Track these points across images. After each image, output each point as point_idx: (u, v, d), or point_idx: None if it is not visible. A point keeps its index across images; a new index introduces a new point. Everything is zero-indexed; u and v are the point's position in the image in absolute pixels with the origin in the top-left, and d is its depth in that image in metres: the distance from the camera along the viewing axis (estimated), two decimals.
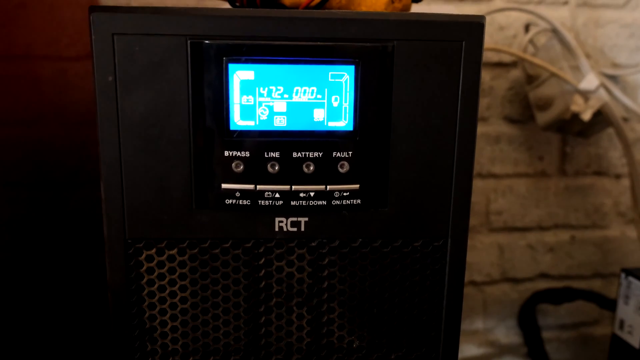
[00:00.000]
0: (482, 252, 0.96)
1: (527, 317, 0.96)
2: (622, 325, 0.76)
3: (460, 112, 0.44)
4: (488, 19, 0.88)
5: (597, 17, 0.91)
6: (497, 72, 0.91)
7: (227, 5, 0.55)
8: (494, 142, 0.94)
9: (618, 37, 0.92)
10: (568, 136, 0.94)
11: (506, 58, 0.90)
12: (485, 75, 0.91)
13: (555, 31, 0.84)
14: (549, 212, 0.96)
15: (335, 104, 0.43)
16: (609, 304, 0.91)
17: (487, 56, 0.90)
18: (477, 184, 0.94)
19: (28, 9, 0.75)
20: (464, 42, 0.43)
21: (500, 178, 0.95)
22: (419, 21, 0.43)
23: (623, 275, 0.76)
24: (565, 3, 0.90)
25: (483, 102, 0.92)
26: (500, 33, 0.91)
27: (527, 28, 0.89)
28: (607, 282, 1.00)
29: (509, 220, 0.96)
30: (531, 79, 0.87)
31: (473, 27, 0.43)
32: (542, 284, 0.98)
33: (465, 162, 0.45)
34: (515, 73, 0.91)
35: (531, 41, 0.87)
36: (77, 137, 0.78)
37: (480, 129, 0.92)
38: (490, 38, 0.90)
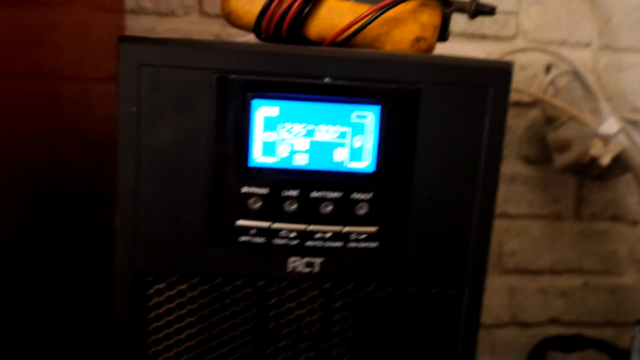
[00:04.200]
0: (492, 294, 0.94)
1: None
2: None
3: (484, 158, 0.43)
4: (509, 58, 0.88)
5: (619, 61, 0.91)
6: (515, 111, 0.91)
7: (252, 36, 0.55)
8: (509, 182, 0.93)
9: None
10: (585, 179, 0.93)
11: (525, 98, 0.90)
12: None
13: (576, 73, 0.84)
14: (563, 255, 0.95)
15: (357, 145, 0.42)
16: (621, 356, 0.89)
17: None
18: None
19: (57, 29, 0.76)
20: (490, 88, 0.42)
21: (515, 219, 0.94)
22: (447, 65, 0.42)
23: (638, 327, 0.74)
24: (588, 45, 0.89)
25: None
26: (520, 73, 0.90)
27: (548, 69, 0.88)
28: (620, 331, 0.98)
29: (521, 262, 0.94)
30: (550, 120, 0.86)
31: (500, 73, 0.42)
32: (553, 330, 0.96)
33: (486, 210, 0.44)
34: (534, 113, 0.90)
35: (552, 82, 0.86)
36: (95, 158, 0.77)
37: None
38: None
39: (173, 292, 0.44)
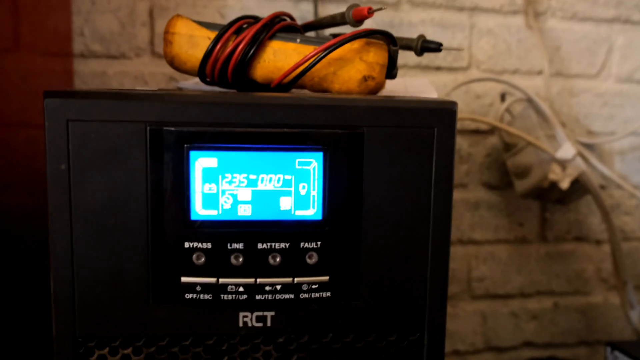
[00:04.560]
0: (464, 320, 0.94)
1: None
2: None
3: (434, 199, 0.42)
4: (464, 88, 0.89)
5: (571, 87, 0.92)
6: (474, 139, 0.91)
7: (197, 80, 0.54)
8: (473, 209, 0.93)
9: (592, 105, 0.93)
10: (547, 203, 0.93)
11: (483, 125, 0.90)
12: (464, 143, 0.90)
13: (530, 101, 0.84)
14: (531, 278, 0.95)
15: (302, 192, 0.41)
16: None
17: (465, 124, 0.90)
18: (458, 251, 0.93)
19: (1, 77, 0.74)
20: (435, 129, 0.41)
21: (481, 244, 0.93)
22: (389, 107, 0.41)
23: (609, 349, 0.73)
24: (540, 73, 0.90)
25: (462, 168, 0.91)
26: (476, 101, 0.90)
27: (503, 97, 0.89)
28: (593, 350, 0.98)
29: (490, 287, 0.94)
30: (508, 147, 0.87)
31: (445, 113, 0.41)
32: (527, 353, 0.96)
33: (440, 252, 0.43)
34: (493, 140, 0.91)
35: (507, 110, 0.87)
36: (44, 207, 0.75)
37: (460, 195, 0.91)
38: (467, 106, 0.90)
39: (117, 357, 0.42)
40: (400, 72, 0.83)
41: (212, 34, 0.48)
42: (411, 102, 0.41)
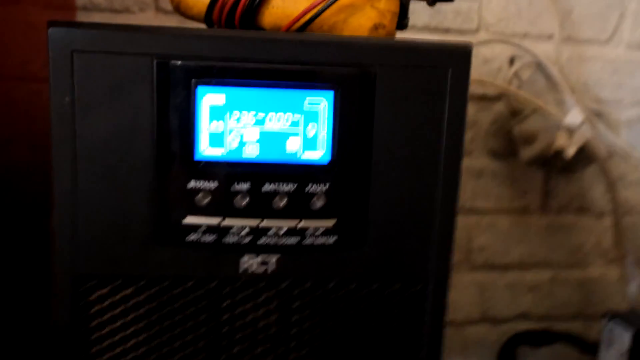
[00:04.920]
0: (461, 291, 0.93)
1: None
2: None
3: (446, 143, 0.41)
4: (473, 51, 0.87)
5: (581, 53, 0.90)
6: (481, 105, 0.90)
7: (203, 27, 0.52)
8: (476, 177, 0.92)
9: (602, 72, 0.91)
10: (551, 172, 0.92)
11: (490, 91, 0.88)
12: (470, 109, 0.89)
13: (539, 65, 0.83)
14: (531, 250, 0.94)
15: (311, 133, 0.40)
16: (590, 348, 0.88)
17: (471, 89, 0.87)
18: (459, 220, 0.91)
19: (2, 29, 0.72)
20: (450, 70, 0.40)
21: (483, 214, 0.92)
22: (403, 46, 0.40)
23: (606, 319, 0.73)
24: (550, 37, 0.88)
25: (467, 135, 0.89)
26: (484, 66, 0.89)
27: (511, 61, 0.87)
28: (589, 324, 0.98)
29: (490, 257, 0.93)
30: (515, 113, 0.86)
31: (460, 53, 0.40)
32: (523, 325, 0.95)
33: (449, 198, 0.42)
34: (499, 107, 0.89)
35: (516, 74, 0.85)
36: (46, 162, 0.75)
37: (464, 162, 0.90)
38: (474, 71, 0.88)
39: (117, 297, 0.41)
40: (408, 34, 0.82)
41: None
42: (426, 42, 0.40)
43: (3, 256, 0.73)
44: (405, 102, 0.40)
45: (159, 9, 0.80)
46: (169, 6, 0.79)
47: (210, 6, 0.47)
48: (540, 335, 0.92)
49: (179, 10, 0.49)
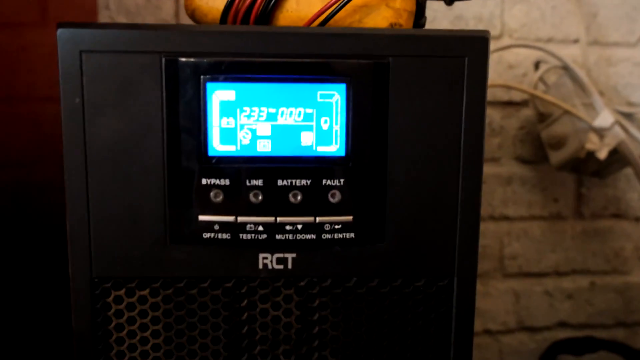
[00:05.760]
0: (496, 299, 0.91)
1: None
2: None
3: (465, 135, 0.40)
4: (496, 57, 0.86)
5: (609, 56, 0.88)
6: (507, 111, 0.88)
7: None
8: (506, 184, 0.90)
9: (631, 75, 0.89)
10: (583, 177, 0.90)
11: (516, 96, 0.87)
12: (496, 115, 0.88)
13: (566, 68, 0.81)
14: (566, 256, 0.92)
15: (325, 127, 0.39)
16: (635, 356, 0.85)
17: (497, 94, 0.87)
18: (490, 227, 0.90)
19: (30, 51, 0.75)
20: (467, 59, 0.39)
21: (514, 221, 0.91)
22: (416, 36, 0.39)
23: None
24: (576, 41, 0.87)
25: (494, 142, 0.88)
26: (509, 72, 0.88)
27: (537, 65, 0.86)
28: (631, 331, 0.95)
29: (524, 265, 0.91)
30: (543, 118, 0.84)
31: (477, 41, 0.39)
32: (561, 334, 0.93)
33: (471, 190, 0.41)
34: (526, 112, 0.88)
35: (541, 79, 0.84)
36: None
37: (492, 169, 0.89)
38: (499, 77, 0.87)
39: (134, 299, 0.40)
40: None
41: None
42: (439, 31, 0.39)
43: (31, 271, 0.74)
44: (421, 93, 0.40)
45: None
46: (189, 22, 0.80)
47: (225, 12, 0.47)
48: (582, 343, 0.89)
49: (194, 17, 0.50)
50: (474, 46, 0.39)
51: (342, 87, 0.39)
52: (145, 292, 0.40)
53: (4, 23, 0.74)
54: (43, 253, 0.75)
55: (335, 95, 0.39)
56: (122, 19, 0.81)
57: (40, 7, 0.76)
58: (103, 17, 0.81)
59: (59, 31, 0.37)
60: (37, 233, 0.75)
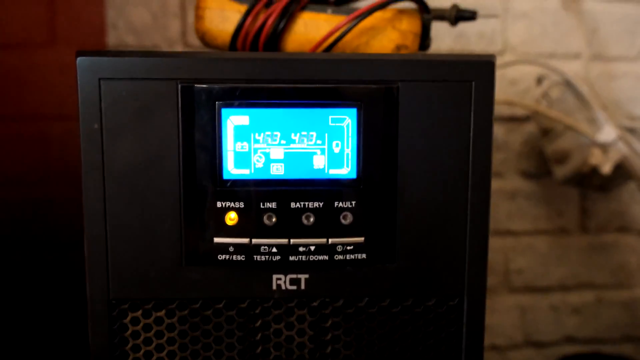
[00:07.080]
0: (502, 314, 0.91)
1: None
2: None
3: (473, 157, 0.41)
4: (499, 74, 0.87)
5: (611, 70, 0.89)
6: (510, 126, 0.89)
7: None
8: (510, 198, 0.90)
9: (633, 89, 0.90)
10: (588, 191, 0.90)
11: (519, 112, 0.88)
12: (499, 130, 0.88)
13: (568, 84, 0.82)
14: (572, 271, 0.92)
15: (336, 150, 0.40)
16: None
17: (500, 110, 0.88)
18: (495, 242, 0.90)
19: (39, 70, 0.76)
20: (474, 83, 0.40)
21: (519, 235, 0.91)
22: (424, 61, 0.40)
23: None
24: (577, 56, 0.88)
25: (497, 157, 0.89)
26: (511, 88, 0.88)
27: (539, 81, 0.86)
28: (638, 346, 0.94)
29: (529, 279, 0.91)
30: (546, 132, 0.84)
31: (483, 66, 0.40)
32: (569, 349, 0.93)
33: (480, 211, 0.41)
34: (529, 127, 0.89)
35: (544, 94, 0.85)
36: (80, 199, 0.77)
37: (496, 184, 0.89)
38: (501, 93, 0.88)
39: (150, 319, 0.41)
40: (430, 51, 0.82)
41: (243, 8, 0.48)
42: (447, 55, 0.40)
43: (42, 288, 0.74)
44: (430, 116, 0.40)
45: (186, 44, 0.82)
46: (196, 41, 0.81)
47: (235, 35, 0.48)
48: (589, 358, 0.89)
49: (204, 41, 0.51)
50: (480, 71, 0.40)
51: (353, 111, 0.40)
52: (162, 313, 0.41)
53: (13, 43, 0.75)
54: (49, 268, 0.75)
55: (346, 120, 0.40)
56: (129, 38, 0.82)
57: (48, 27, 0.77)
58: (111, 37, 0.82)
59: (79, 59, 0.38)
60: (43, 249, 0.75)
